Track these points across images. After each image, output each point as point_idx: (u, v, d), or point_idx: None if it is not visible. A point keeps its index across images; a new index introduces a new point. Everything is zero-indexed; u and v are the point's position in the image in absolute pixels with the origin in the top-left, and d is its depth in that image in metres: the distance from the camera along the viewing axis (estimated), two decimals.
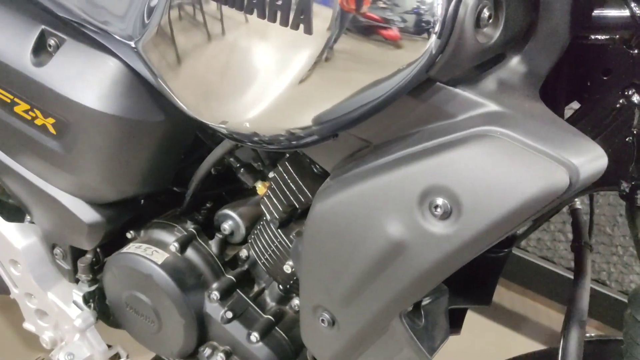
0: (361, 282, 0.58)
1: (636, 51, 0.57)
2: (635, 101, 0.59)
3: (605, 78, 0.60)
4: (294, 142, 0.60)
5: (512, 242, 0.74)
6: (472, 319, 1.67)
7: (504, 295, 1.75)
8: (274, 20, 0.52)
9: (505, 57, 0.55)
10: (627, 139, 0.60)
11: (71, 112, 0.75)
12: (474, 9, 0.48)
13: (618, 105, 0.60)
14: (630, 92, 0.59)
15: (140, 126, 0.75)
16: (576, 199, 0.79)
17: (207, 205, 0.96)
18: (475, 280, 0.72)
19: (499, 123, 0.49)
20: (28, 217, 0.98)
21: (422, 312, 0.62)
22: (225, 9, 0.55)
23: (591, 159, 0.48)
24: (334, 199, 0.58)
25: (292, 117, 0.58)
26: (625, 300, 1.48)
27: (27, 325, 1.03)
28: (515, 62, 0.55)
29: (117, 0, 0.67)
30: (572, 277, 1.61)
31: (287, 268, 0.83)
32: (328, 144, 0.60)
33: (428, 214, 0.51)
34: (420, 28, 0.48)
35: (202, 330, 0.89)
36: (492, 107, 0.51)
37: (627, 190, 0.62)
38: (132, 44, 0.66)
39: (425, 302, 0.63)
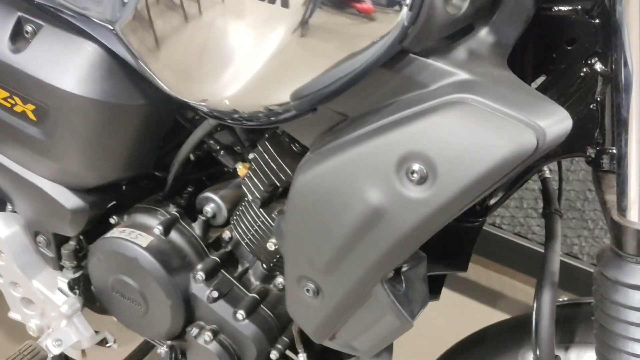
0: (343, 250, 0.60)
1: (598, 20, 0.60)
2: (598, 69, 0.62)
3: (569, 48, 0.63)
4: (272, 118, 0.62)
5: (485, 211, 0.77)
6: (451, 296, 1.72)
7: (481, 272, 1.79)
8: None
9: (474, 29, 0.57)
10: (591, 106, 0.63)
11: (50, 97, 0.76)
12: None
13: (582, 74, 0.63)
14: (593, 61, 0.62)
15: (120, 110, 0.76)
16: (545, 168, 0.82)
17: (189, 189, 0.97)
18: (452, 248, 0.75)
19: (470, 90, 0.52)
20: (9, 207, 0.98)
21: (403, 278, 0.65)
22: None
23: (556, 121, 0.50)
24: (314, 172, 0.60)
25: (270, 93, 0.60)
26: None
27: (13, 315, 1.03)
28: (483, 33, 0.57)
29: None
30: (517, 241, 1.64)
31: (271, 245, 0.84)
32: (306, 119, 0.62)
33: (405, 180, 0.53)
34: (393, 0, 0.50)
35: (188, 310, 0.90)
36: (463, 75, 0.53)
37: (593, 155, 0.65)
38: (111, 26, 0.67)
39: (405, 268, 0.65)
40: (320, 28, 0.54)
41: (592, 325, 0.74)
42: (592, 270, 1.58)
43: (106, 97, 0.75)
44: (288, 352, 0.94)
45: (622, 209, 0.57)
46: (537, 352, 0.71)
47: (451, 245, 0.75)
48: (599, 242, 1.59)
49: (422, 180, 0.53)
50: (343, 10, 0.52)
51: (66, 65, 0.74)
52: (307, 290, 0.67)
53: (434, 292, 0.75)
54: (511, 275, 1.75)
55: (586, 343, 0.75)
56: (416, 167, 0.52)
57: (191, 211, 0.95)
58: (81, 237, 0.96)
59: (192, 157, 0.98)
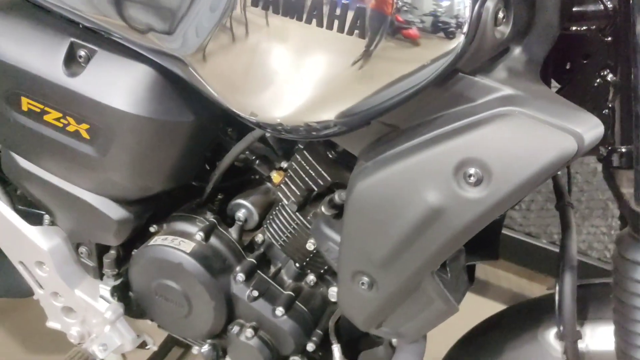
0: (401, 247, 0.68)
1: (609, 38, 0.69)
2: (610, 80, 0.71)
3: (585, 62, 0.72)
4: (328, 131, 0.68)
5: None
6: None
7: (489, 271, 1.89)
8: (331, 28, 0.61)
9: (510, 49, 0.66)
10: (604, 112, 0.73)
11: (106, 117, 0.81)
12: (493, 11, 0.58)
13: (596, 84, 0.72)
14: (605, 73, 0.71)
15: (170, 126, 0.82)
16: None
17: (219, 197, 1.04)
18: (482, 240, 0.84)
19: (515, 103, 0.60)
20: (46, 221, 1.03)
21: (448, 269, 0.73)
22: (281, 19, 0.63)
23: (591, 127, 0.59)
24: (373, 178, 0.68)
25: (328, 110, 0.67)
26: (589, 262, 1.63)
27: (51, 324, 1.07)
28: (517, 52, 0.66)
29: (163, 14, 0.73)
30: (528, 240, 1.76)
31: (310, 245, 0.91)
32: (358, 131, 0.69)
33: (463, 183, 0.62)
34: (453, 30, 0.58)
35: (229, 310, 0.97)
36: (507, 90, 0.62)
37: (605, 154, 0.75)
38: (178, 54, 0.73)
39: (449, 260, 0.73)
40: (382, 52, 0.61)
41: (603, 303, 0.85)
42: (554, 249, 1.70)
43: (158, 115, 0.81)
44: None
45: (639, 199, 0.67)
46: (561, 328, 0.80)
47: (480, 239, 0.83)
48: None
49: (478, 183, 0.61)
50: (409, 38, 0.59)
51: (121, 87, 0.80)
52: (362, 284, 0.74)
53: (470, 279, 0.84)
54: (492, 264, 1.86)
55: (598, 319, 0.85)
56: (472, 171, 0.61)
57: (223, 218, 1.01)
58: (119, 247, 1.01)
59: None
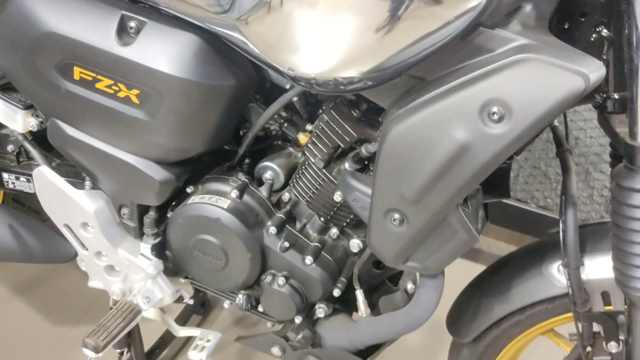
0: (432, 182, 0.78)
1: None
2: (604, 35, 0.82)
3: (582, 19, 0.83)
4: (365, 84, 0.78)
5: (512, 155, 0.97)
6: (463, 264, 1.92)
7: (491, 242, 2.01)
8: None
9: (521, 7, 0.77)
10: None
11: (156, 81, 0.89)
12: None
13: (592, 39, 0.83)
14: (600, 29, 0.82)
15: (215, 89, 0.91)
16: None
17: (247, 161, 1.13)
18: (493, 183, 0.94)
19: (530, 50, 0.71)
20: (87, 186, 1.10)
21: (469, 203, 0.84)
22: None
23: (595, 68, 0.70)
24: (406, 123, 0.78)
25: (365, 63, 0.76)
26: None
27: (93, 283, 1.15)
28: (528, 9, 0.77)
29: None
30: (517, 204, 1.86)
31: (337, 197, 1.01)
32: (387, 84, 0.79)
33: (487, 120, 0.72)
34: None
35: (263, 261, 1.06)
36: (522, 40, 0.72)
37: (600, 101, 0.86)
38: (230, 20, 0.82)
39: (469, 195, 0.84)
40: (414, 14, 0.71)
41: (599, 238, 0.96)
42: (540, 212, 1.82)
43: (203, 78, 0.90)
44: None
45: (634, 134, 0.78)
46: (565, 259, 0.91)
47: (491, 182, 0.94)
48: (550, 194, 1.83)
49: (500, 119, 0.71)
50: None
51: (170, 54, 0.88)
52: (394, 220, 0.84)
53: (486, 216, 0.95)
54: (495, 235, 1.98)
55: (597, 251, 0.96)
56: (495, 109, 0.71)
57: (252, 180, 1.10)
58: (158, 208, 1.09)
59: (241, 133, 1.13)
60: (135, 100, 0.92)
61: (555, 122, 1.03)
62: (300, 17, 0.77)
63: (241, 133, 1.13)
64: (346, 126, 0.97)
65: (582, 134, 1.70)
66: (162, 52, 0.88)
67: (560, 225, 0.92)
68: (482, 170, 0.75)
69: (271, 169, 1.10)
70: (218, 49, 0.89)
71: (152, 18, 0.90)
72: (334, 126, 0.98)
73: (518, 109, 0.70)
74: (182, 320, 1.57)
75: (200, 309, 1.64)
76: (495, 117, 0.71)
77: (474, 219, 0.84)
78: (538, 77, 0.70)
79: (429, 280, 0.97)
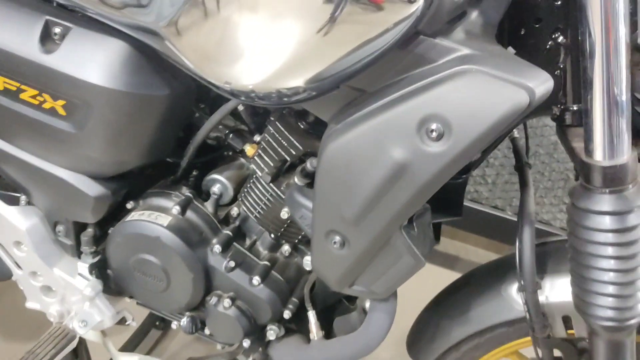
0: (371, 203, 0.72)
1: (559, 2, 0.74)
2: (561, 42, 0.76)
3: (537, 26, 0.77)
4: (299, 97, 0.72)
5: (468, 169, 0.91)
6: (435, 271, 1.86)
7: (459, 246, 1.95)
8: None
9: (467, 13, 0.71)
10: (556, 73, 0.78)
11: (83, 92, 0.83)
12: None
13: (548, 47, 0.77)
14: (556, 35, 0.76)
15: (147, 100, 0.85)
16: (514, 129, 0.97)
17: (194, 173, 1.06)
18: (444, 201, 0.88)
19: (473, 62, 0.65)
20: (22, 202, 1.04)
21: (414, 225, 0.78)
22: None
23: (542, 81, 0.64)
24: (343, 139, 0.71)
25: (299, 75, 0.71)
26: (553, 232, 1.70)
27: (31, 304, 1.09)
28: (474, 16, 0.71)
29: None
30: (494, 213, 1.81)
31: (284, 214, 0.95)
32: (327, 97, 0.73)
33: (425, 138, 0.66)
34: None
35: (207, 281, 1.00)
36: (464, 51, 0.66)
37: (558, 113, 0.80)
38: (153, 26, 0.76)
39: (416, 217, 0.78)
40: (348, 17, 0.65)
41: (559, 258, 0.90)
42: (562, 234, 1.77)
43: (133, 88, 0.83)
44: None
45: (589, 151, 0.72)
46: (522, 282, 0.85)
47: (444, 199, 0.88)
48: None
49: (439, 137, 0.65)
50: (371, 3, 0.63)
51: (97, 62, 0.82)
52: (335, 242, 0.78)
53: (436, 237, 0.89)
54: (462, 239, 1.92)
55: (557, 272, 0.90)
56: (434, 126, 0.65)
57: (199, 193, 1.04)
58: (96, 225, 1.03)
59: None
60: (61, 111, 0.86)
61: (515, 133, 0.97)
62: (234, 25, 0.71)
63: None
64: (292, 139, 0.91)
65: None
66: (87, 60, 0.82)
67: (517, 245, 0.86)
68: (423, 190, 0.69)
69: (219, 182, 1.03)
70: (149, 56, 0.83)
71: (78, 23, 0.83)
72: (280, 139, 0.92)
73: (458, 126, 0.64)
74: (141, 334, 1.51)
75: (161, 323, 1.57)
76: (434, 134, 0.65)
77: (420, 241, 0.78)
78: (479, 91, 0.63)
79: (379, 304, 0.91)
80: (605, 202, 0.73)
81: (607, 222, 0.74)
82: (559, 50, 0.77)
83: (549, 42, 0.77)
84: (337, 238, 0.78)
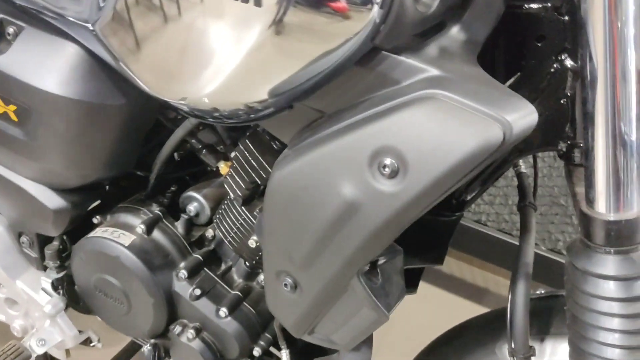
0: (319, 244, 0.61)
1: (567, 17, 0.61)
2: (568, 65, 0.63)
3: (539, 45, 0.64)
4: (251, 115, 0.63)
5: (462, 206, 0.79)
6: (436, 293, 1.73)
7: (465, 269, 1.81)
8: None
9: (446, 26, 0.59)
10: (562, 101, 0.65)
11: (32, 98, 0.76)
12: None
13: (552, 70, 0.64)
14: (563, 57, 0.63)
15: (101, 109, 0.77)
16: (521, 163, 0.83)
17: (172, 188, 0.98)
18: (428, 242, 0.76)
19: (440, 86, 0.53)
20: None
21: (379, 272, 0.66)
22: None
23: (523, 115, 0.52)
24: (290, 167, 0.61)
25: (248, 91, 0.61)
26: None
27: None
28: (455, 31, 0.59)
29: None
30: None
31: (252, 243, 0.85)
32: (285, 116, 0.63)
33: (377, 174, 0.55)
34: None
35: (171, 308, 0.91)
36: (433, 72, 0.55)
37: (564, 149, 0.67)
38: (90, 27, 0.68)
39: (381, 261, 0.66)
40: (293, 26, 0.55)
41: (564, 316, 0.76)
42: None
43: (87, 97, 0.76)
44: (271, 349, 0.95)
45: (590, 201, 0.59)
46: (512, 344, 0.72)
47: (428, 239, 0.76)
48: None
49: (393, 174, 0.54)
50: (316, 8, 0.53)
51: (47, 66, 0.75)
52: (285, 285, 0.68)
53: (412, 285, 0.76)
54: (495, 272, 1.77)
55: (561, 334, 0.77)
56: (388, 161, 0.54)
57: (175, 210, 0.96)
58: (64, 238, 0.96)
59: (176, 156, 0.99)
60: (13, 117, 0.80)
61: (522, 167, 0.84)
62: (171, 31, 0.62)
63: (176, 157, 0.99)
64: (262, 160, 0.81)
65: None
66: (37, 63, 0.75)
67: (509, 300, 0.73)
68: (376, 235, 0.58)
69: (196, 200, 0.95)
70: (105, 62, 0.75)
71: (31, 23, 0.76)
72: (250, 159, 0.82)
73: (414, 163, 0.53)
74: (132, 350, 1.43)
75: None
76: (387, 170, 0.54)
77: (384, 291, 0.66)
78: (443, 122, 0.52)
79: (349, 354, 0.79)
80: (609, 263, 0.60)
81: (611, 287, 0.60)
82: (566, 74, 0.63)
83: (554, 65, 0.64)
84: (288, 280, 0.67)
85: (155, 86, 0.67)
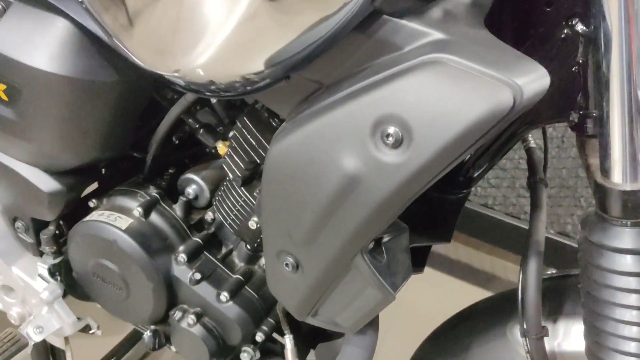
0: (320, 220, 0.59)
1: None
2: (580, 30, 0.60)
3: (548, 9, 0.61)
4: (248, 87, 0.60)
5: (469, 183, 0.76)
6: (443, 278, 1.70)
7: (472, 253, 1.78)
8: None
9: None
10: (573, 69, 0.62)
11: (22, 76, 0.74)
12: None
13: (563, 36, 0.61)
14: (574, 22, 0.60)
15: (93, 87, 0.74)
16: (530, 138, 0.80)
17: (170, 170, 0.96)
18: (435, 220, 0.73)
19: (445, 50, 0.50)
20: None
21: (384, 250, 0.63)
22: None
23: (534, 78, 0.49)
24: (288, 141, 0.58)
25: (244, 61, 0.58)
26: None
27: None
28: None
29: None
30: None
31: (253, 225, 0.83)
32: (282, 89, 0.60)
33: (380, 144, 0.52)
34: None
35: (171, 293, 0.89)
36: (437, 35, 0.52)
37: (576, 120, 0.63)
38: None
39: (386, 239, 0.63)
40: None
41: (579, 295, 0.74)
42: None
43: (79, 74, 0.73)
44: (275, 335, 0.92)
45: (605, 171, 0.56)
46: (524, 324, 0.69)
47: (434, 217, 0.73)
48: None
49: (397, 144, 0.51)
50: None
51: (37, 43, 0.72)
52: (287, 265, 0.65)
53: (419, 264, 0.74)
54: (503, 256, 1.74)
55: (574, 315, 0.74)
56: (391, 130, 0.51)
57: (173, 193, 0.93)
58: (61, 222, 0.94)
59: (174, 138, 0.96)
60: (3, 96, 0.77)
61: (532, 142, 0.80)
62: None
63: (174, 139, 0.97)
64: (261, 138, 0.78)
65: None
66: (26, 40, 0.72)
67: (520, 279, 0.70)
68: (380, 210, 0.55)
69: (194, 183, 0.92)
70: (96, 37, 0.72)
71: None
72: (249, 137, 0.79)
73: (419, 131, 0.50)
74: (132, 341, 1.41)
75: None
76: (391, 140, 0.51)
77: (389, 270, 0.63)
78: (449, 88, 0.49)
79: (355, 337, 0.77)
80: (625, 236, 0.57)
81: (628, 262, 0.57)
82: (577, 40, 0.60)
83: (564, 31, 0.60)
84: (290, 259, 0.65)
85: (148, 59, 0.64)
